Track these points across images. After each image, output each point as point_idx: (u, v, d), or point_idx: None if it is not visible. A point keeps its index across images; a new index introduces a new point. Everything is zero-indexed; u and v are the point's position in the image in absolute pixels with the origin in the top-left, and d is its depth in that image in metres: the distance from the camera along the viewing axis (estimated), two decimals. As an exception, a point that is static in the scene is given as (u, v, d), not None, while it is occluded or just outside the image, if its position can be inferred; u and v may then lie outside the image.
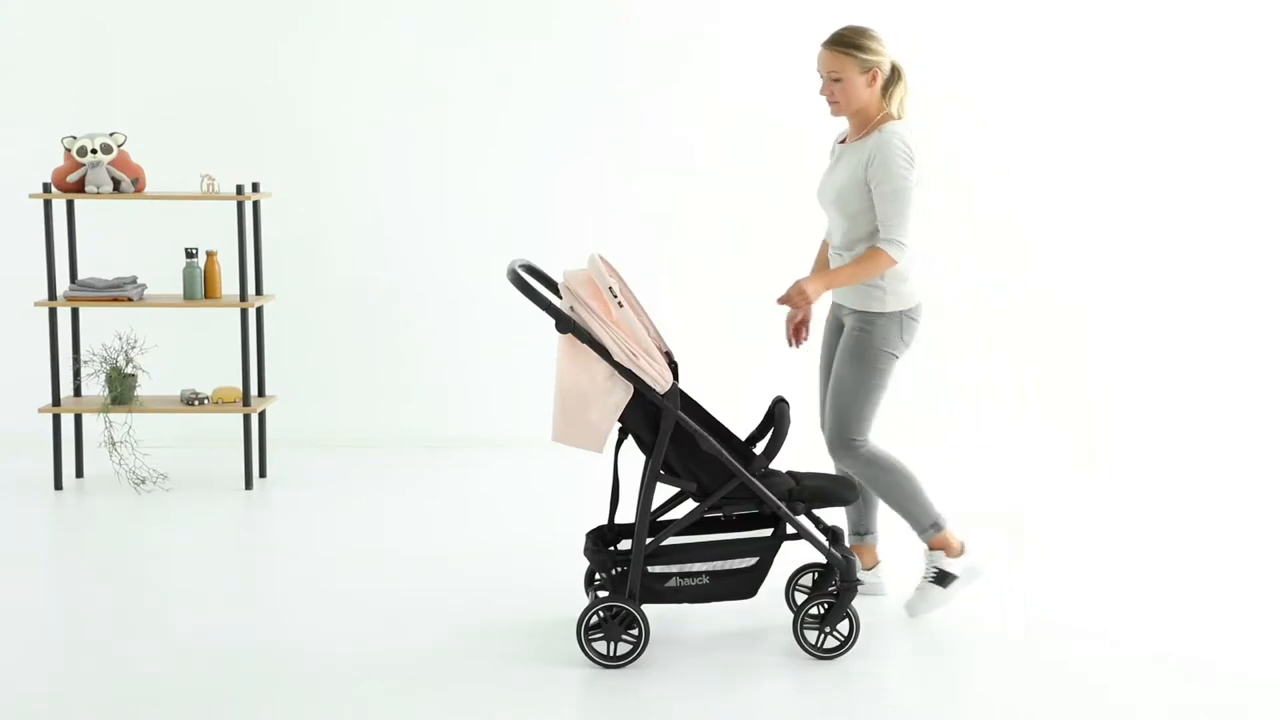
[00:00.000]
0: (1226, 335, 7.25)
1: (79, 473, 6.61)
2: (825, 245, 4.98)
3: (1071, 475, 6.81)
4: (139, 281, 6.52)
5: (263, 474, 6.67)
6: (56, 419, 6.47)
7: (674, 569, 4.35)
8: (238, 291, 6.60)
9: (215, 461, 6.88)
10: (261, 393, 6.66)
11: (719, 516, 4.60)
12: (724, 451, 4.32)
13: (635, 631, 4.31)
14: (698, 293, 7.26)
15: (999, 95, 7.23)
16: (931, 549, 4.72)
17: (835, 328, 4.87)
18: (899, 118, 4.68)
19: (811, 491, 4.43)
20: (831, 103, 4.68)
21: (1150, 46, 7.19)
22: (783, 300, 4.52)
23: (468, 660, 4.40)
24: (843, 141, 4.81)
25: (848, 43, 4.62)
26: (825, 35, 4.67)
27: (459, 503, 6.32)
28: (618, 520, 4.67)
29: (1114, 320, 7.28)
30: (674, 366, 4.46)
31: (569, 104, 7.28)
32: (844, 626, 4.39)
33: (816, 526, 4.52)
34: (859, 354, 4.66)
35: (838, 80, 4.62)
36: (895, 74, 4.68)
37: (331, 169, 7.31)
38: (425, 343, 7.38)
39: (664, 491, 4.75)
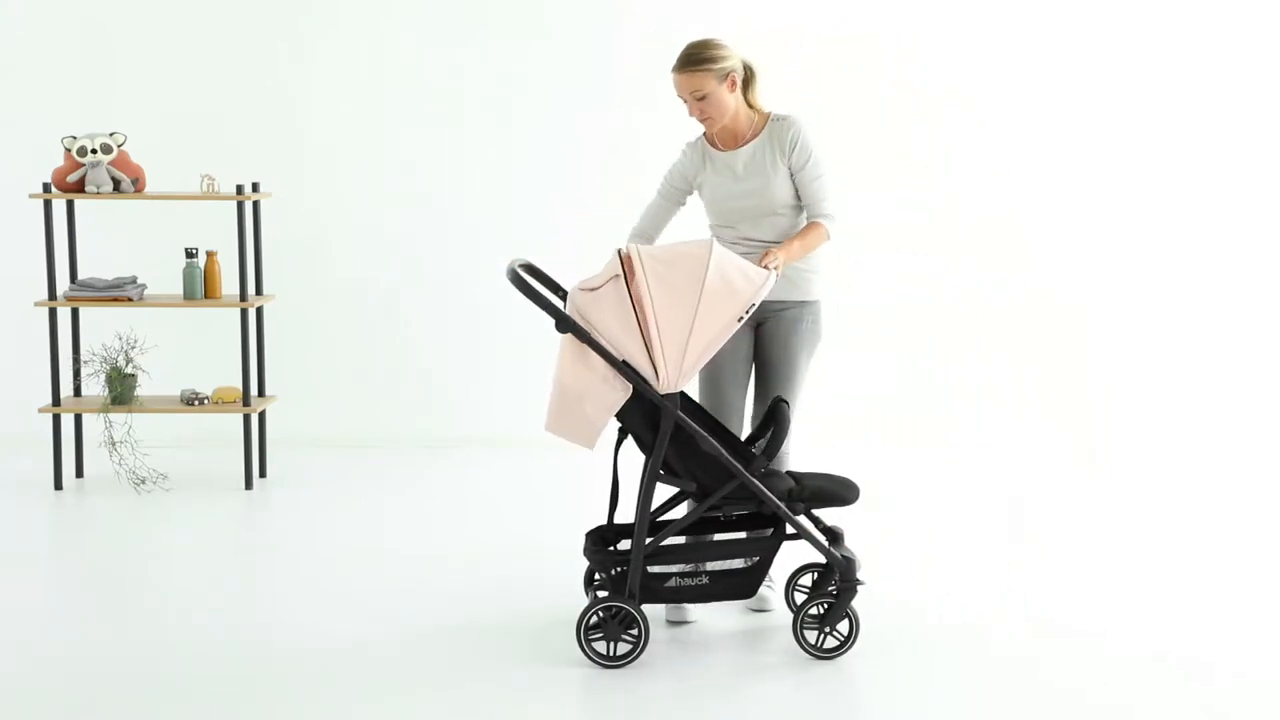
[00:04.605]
0: (1226, 335, 7.25)
1: (79, 473, 6.61)
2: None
3: (1071, 475, 6.81)
4: (139, 281, 6.52)
5: (263, 474, 6.67)
6: (56, 419, 6.47)
7: (674, 569, 4.36)
8: (238, 291, 6.60)
9: (215, 461, 6.88)
10: (261, 393, 6.66)
11: (719, 516, 4.60)
12: (724, 451, 4.31)
13: (635, 631, 4.31)
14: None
15: (999, 95, 7.23)
16: None
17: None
18: (768, 111, 4.78)
19: (811, 492, 4.43)
20: (704, 120, 4.72)
21: (1150, 47, 7.19)
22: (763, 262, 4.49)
23: (468, 660, 4.40)
24: (717, 147, 4.79)
25: (699, 59, 4.65)
26: (672, 61, 4.69)
27: (459, 503, 6.32)
28: (617, 520, 4.67)
29: (1114, 320, 7.28)
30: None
31: (569, 104, 7.28)
32: (844, 626, 4.39)
33: (816, 527, 4.52)
34: (810, 344, 4.76)
35: (703, 98, 4.66)
36: (749, 72, 4.74)
37: (331, 169, 7.31)
38: (425, 343, 7.38)
39: (663, 491, 4.75)
